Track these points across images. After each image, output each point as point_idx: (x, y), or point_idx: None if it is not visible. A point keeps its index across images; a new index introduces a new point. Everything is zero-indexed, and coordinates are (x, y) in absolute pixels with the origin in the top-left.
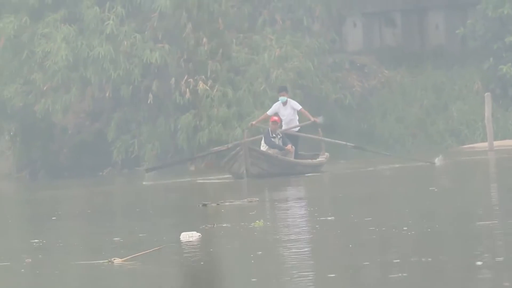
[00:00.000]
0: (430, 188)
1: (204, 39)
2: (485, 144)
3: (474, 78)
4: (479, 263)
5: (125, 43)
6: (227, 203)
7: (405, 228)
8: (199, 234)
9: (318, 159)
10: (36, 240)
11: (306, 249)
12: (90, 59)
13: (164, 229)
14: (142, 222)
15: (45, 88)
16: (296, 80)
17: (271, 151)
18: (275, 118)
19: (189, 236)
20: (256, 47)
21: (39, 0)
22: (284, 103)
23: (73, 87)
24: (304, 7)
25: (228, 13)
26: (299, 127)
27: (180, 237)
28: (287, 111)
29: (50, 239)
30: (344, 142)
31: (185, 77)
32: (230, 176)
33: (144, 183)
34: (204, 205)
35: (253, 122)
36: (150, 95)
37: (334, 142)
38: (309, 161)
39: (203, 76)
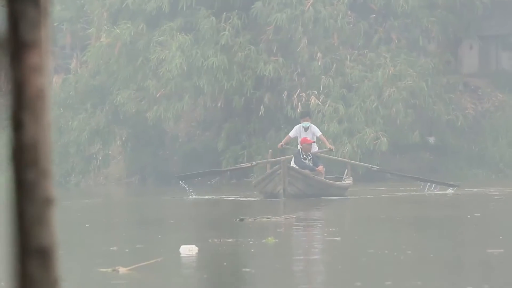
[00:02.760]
0: (469, 216)
1: (319, 54)
2: None
3: None
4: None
5: (240, 54)
6: (264, 219)
7: (408, 252)
8: (197, 248)
9: (346, 182)
10: None
11: (298, 268)
12: (203, 69)
13: (178, 241)
14: (163, 234)
15: (158, 95)
16: (409, 99)
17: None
18: (308, 139)
19: (189, 250)
20: (370, 64)
21: (157, 8)
22: (306, 128)
23: (185, 96)
24: (420, 27)
25: (343, 29)
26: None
27: (180, 250)
28: (308, 136)
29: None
30: (369, 165)
31: (298, 91)
32: (261, 195)
33: (190, 197)
34: (241, 219)
35: (281, 144)
36: (262, 107)
37: (359, 164)
38: (341, 183)
39: (316, 91)
